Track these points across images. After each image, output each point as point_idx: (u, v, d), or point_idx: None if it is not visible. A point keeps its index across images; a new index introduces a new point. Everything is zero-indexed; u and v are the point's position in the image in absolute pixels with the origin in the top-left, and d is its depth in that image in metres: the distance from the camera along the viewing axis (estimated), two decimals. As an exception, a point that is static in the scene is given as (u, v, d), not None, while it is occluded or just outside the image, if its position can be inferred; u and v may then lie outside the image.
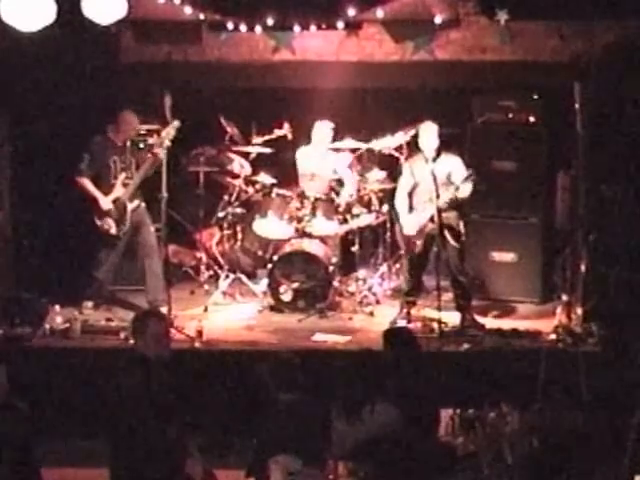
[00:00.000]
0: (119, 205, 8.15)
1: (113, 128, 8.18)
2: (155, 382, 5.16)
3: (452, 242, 7.72)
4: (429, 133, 7.75)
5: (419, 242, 7.78)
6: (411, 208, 7.87)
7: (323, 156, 8.74)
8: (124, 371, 5.30)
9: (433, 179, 7.48)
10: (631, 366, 6.76)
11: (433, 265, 7.76)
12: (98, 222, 8.12)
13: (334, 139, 8.78)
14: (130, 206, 8.17)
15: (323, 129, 8.71)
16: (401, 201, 7.92)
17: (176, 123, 7.81)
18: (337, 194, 8.60)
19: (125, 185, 8.16)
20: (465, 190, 7.65)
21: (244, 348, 7.45)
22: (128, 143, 8.24)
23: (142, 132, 8.69)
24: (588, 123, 7.92)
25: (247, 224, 8.89)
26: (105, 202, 8.10)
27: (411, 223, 7.81)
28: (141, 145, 8.65)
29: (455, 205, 7.78)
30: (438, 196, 7.48)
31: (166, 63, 8.59)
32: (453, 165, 7.78)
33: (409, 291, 8.05)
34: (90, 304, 8.23)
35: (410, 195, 7.90)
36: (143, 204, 8.28)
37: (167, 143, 7.80)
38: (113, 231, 8.14)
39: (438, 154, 7.73)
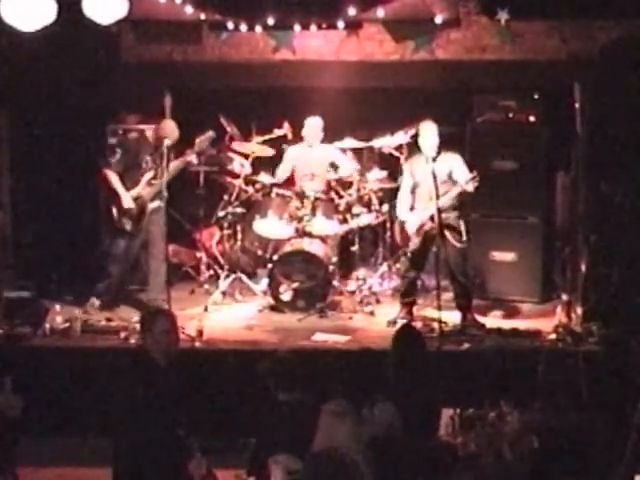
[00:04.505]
0: (139, 203, 8.13)
1: (153, 129, 8.16)
2: (159, 382, 5.15)
3: (455, 243, 7.71)
4: (429, 132, 7.72)
5: (417, 240, 7.78)
6: (412, 207, 7.88)
7: (319, 152, 8.75)
8: (128, 370, 5.29)
9: (433, 178, 7.46)
10: (631, 366, 6.76)
11: (433, 265, 7.75)
12: (116, 217, 8.11)
13: (334, 139, 8.79)
14: (151, 206, 8.15)
15: (314, 125, 8.74)
16: (401, 200, 7.94)
17: (211, 133, 7.82)
18: (337, 194, 8.59)
19: (150, 185, 8.14)
20: (469, 187, 7.64)
21: (244, 348, 7.45)
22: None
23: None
24: (588, 123, 7.93)
25: (247, 224, 8.89)
26: (127, 200, 8.08)
27: (412, 221, 7.81)
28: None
29: (456, 205, 7.78)
30: (438, 196, 7.47)
31: (166, 63, 8.59)
32: (453, 163, 7.76)
33: (405, 292, 8.05)
34: (97, 302, 8.17)
35: (412, 194, 7.90)
36: (163, 205, 8.10)
37: (198, 150, 7.82)
38: (128, 227, 8.14)
39: (438, 153, 7.72)
